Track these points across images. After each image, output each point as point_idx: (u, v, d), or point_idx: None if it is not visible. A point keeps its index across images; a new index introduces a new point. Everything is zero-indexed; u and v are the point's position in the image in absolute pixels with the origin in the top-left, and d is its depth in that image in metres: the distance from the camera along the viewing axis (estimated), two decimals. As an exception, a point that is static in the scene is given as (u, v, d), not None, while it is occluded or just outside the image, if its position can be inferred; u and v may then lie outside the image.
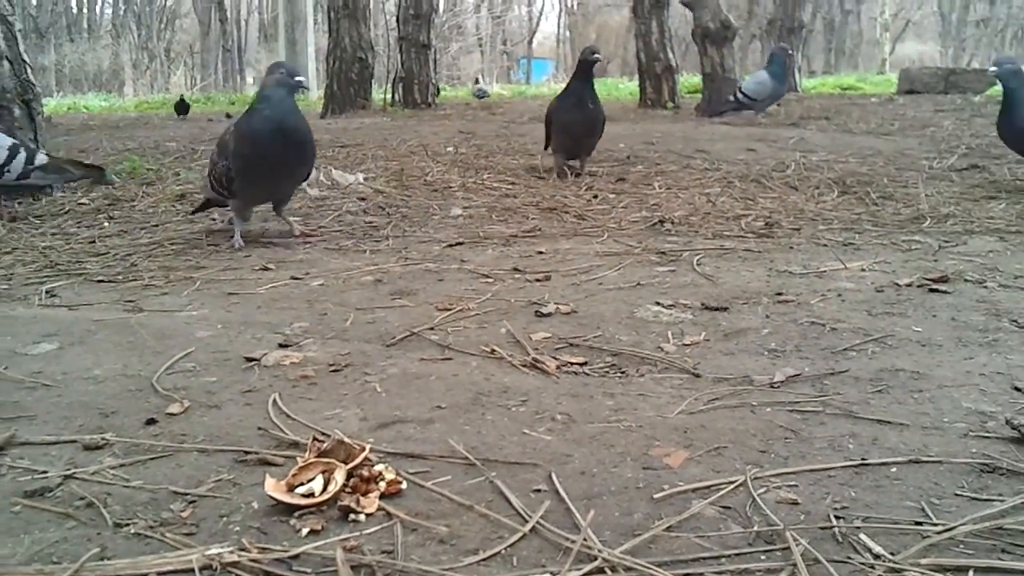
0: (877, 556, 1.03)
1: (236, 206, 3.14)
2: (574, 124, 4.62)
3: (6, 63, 4.06)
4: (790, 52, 8.41)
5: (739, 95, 7.68)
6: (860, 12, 30.37)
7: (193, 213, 3.57)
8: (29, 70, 4.23)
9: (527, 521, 1.13)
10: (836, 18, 27.27)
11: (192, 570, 1.03)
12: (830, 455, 1.32)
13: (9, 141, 3.55)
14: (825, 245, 2.90)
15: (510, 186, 4.32)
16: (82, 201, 4.01)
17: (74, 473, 1.31)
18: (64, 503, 1.22)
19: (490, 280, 2.48)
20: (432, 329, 2.01)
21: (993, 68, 3.97)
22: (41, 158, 3.64)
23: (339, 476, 1.19)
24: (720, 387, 1.62)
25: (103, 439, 1.41)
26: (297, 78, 2.99)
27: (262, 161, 2.97)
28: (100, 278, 2.62)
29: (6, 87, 4.06)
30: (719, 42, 9.24)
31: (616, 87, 17.89)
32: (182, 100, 12.05)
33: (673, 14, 11.84)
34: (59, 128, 8.70)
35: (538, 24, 37.82)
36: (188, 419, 1.50)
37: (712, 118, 7.97)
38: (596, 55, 4.72)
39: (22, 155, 3.53)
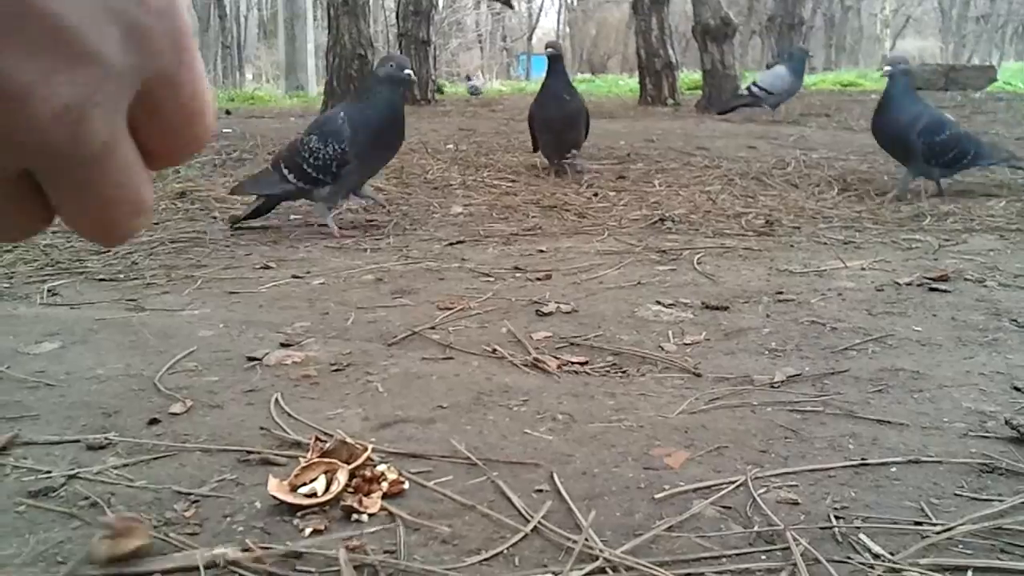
0: (877, 556, 1.04)
1: (328, 195, 3.22)
2: (554, 120, 4.54)
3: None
4: (811, 54, 8.37)
5: (754, 88, 7.61)
6: (860, 8, 30.39)
7: (240, 222, 3.38)
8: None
9: (529, 521, 1.13)
10: (836, 14, 27.27)
11: (197, 568, 1.03)
12: (830, 455, 1.33)
13: None
14: (825, 243, 2.91)
15: (510, 184, 4.33)
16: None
17: (78, 473, 1.31)
18: (68, 503, 1.22)
19: (491, 279, 2.49)
20: (433, 328, 2.01)
21: (888, 68, 3.93)
22: None
23: (342, 476, 1.20)
24: (721, 387, 1.62)
25: (106, 439, 1.42)
26: (406, 72, 3.16)
27: (375, 151, 3.21)
28: (101, 276, 2.62)
29: None
30: (719, 39, 9.24)
31: (616, 84, 17.90)
32: None
33: (673, 11, 11.84)
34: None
35: (538, 20, 37.80)
36: (191, 419, 1.51)
37: (723, 113, 7.91)
38: (550, 48, 4.75)
39: None
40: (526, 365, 1.76)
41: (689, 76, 13.63)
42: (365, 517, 1.15)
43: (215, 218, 3.56)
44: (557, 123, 4.54)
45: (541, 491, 1.23)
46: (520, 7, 36.83)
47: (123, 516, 1.11)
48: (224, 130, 7.72)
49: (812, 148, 5.60)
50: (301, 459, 1.26)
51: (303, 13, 18.13)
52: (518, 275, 2.53)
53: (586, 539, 1.07)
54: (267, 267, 2.70)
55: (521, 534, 1.11)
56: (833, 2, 26.87)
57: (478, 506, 1.18)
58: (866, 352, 1.81)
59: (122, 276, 2.62)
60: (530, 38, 36.14)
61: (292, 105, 13.73)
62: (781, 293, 2.25)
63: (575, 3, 35.53)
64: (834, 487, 1.22)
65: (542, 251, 2.86)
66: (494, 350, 1.85)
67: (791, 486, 1.22)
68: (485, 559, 1.06)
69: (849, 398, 1.55)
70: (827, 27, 27.37)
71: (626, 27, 26.22)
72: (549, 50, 4.75)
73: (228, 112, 10.70)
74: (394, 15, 12.65)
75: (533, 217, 3.49)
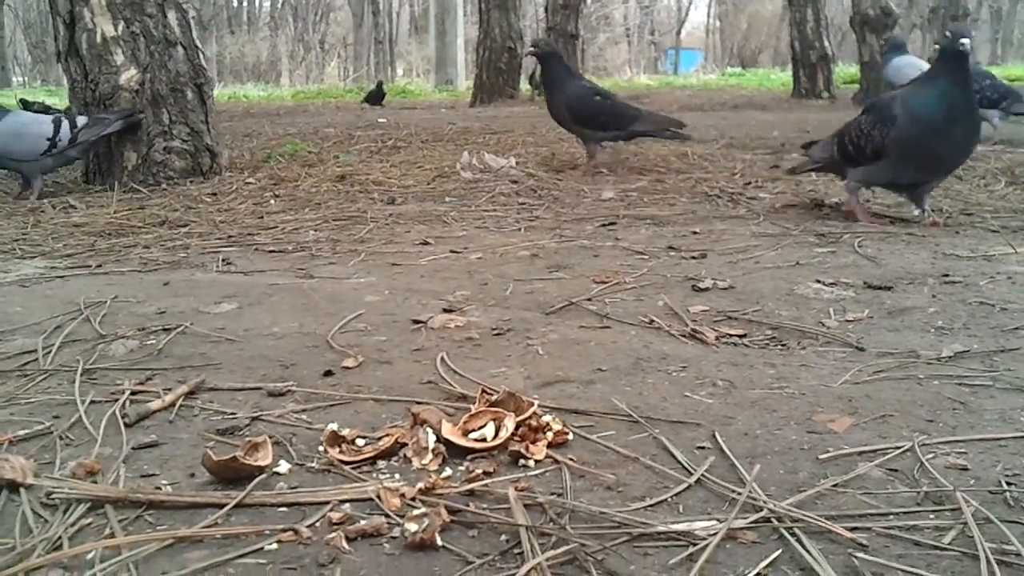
0: (1052, 520, 1.02)
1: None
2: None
3: (180, 48, 4.27)
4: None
5: None
6: (1030, 0, 28.89)
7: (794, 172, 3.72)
8: (201, 55, 4.44)
9: (692, 473, 1.15)
10: (1004, 6, 26.03)
11: (370, 499, 1.09)
12: (1000, 426, 1.30)
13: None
14: (994, 231, 2.81)
15: (661, 171, 4.32)
16: (248, 180, 4.21)
17: (260, 416, 1.40)
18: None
19: (645, 257, 2.50)
20: (590, 300, 2.04)
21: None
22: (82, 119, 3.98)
23: (509, 424, 1.24)
24: (885, 360, 1.60)
25: (286, 387, 1.51)
26: (962, 41, 2.73)
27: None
28: (271, 248, 2.76)
29: (180, 71, 4.26)
30: (879, 29, 8.98)
31: (767, 77, 17.55)
32: (380, 87, 11.75)
33: (829, 2, 11.55)
34: (222, 115, 9.09)
35: (687, 14, 37.39)
36: (362, 373, 1.58)
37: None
38: (531, 48, 4.73)
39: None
40: (684, 335, 1.77)
41: (844, 70, 13.27)
42: (531, 463, 1.20)
43: (374, 199, 3.68)
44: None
45: (703, 448, 1.25)
46: (669, 0, 36.51)
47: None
48: (379, 120, 7.95)
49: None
50: (472, 407, 1.31)
51: (453, 8, 18.44)
52: (672, 254, 2.53)
53: (750, 491, 1.09)
54: (426, 243, 2.78)
55: (684, 485, 1.13)
56: (1000, -7, 25.67)
57: (641, 458, 1.21)
58: (1038, 332, 1.75)
59: (290, 248, 2.75)
60: (679, 32, 35.76)
61: (441, 98, 14.00)
62: (947, 275, 2.19)
63: (726, -3, 34.99)
64: (1005, 456, 1.20)
65: (696, 232, 2.86)
66: (651, 321, 1.87)
67: (960, 453, 1.21)
68: (649, 505, 1.08)
69: (1020, 374, 1.51)
70: (993, 20, 26.16)
71: (779, 20, 25.70)
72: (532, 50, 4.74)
73: (382, 104, 10.99)
74: (543, 9, 12.73)
75: (685, 202, 3.48)
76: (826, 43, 10.44)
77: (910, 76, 7.16)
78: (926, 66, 7.24)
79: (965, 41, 2.72)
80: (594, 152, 4.51)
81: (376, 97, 11.06)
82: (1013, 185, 3.77)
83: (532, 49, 4.66)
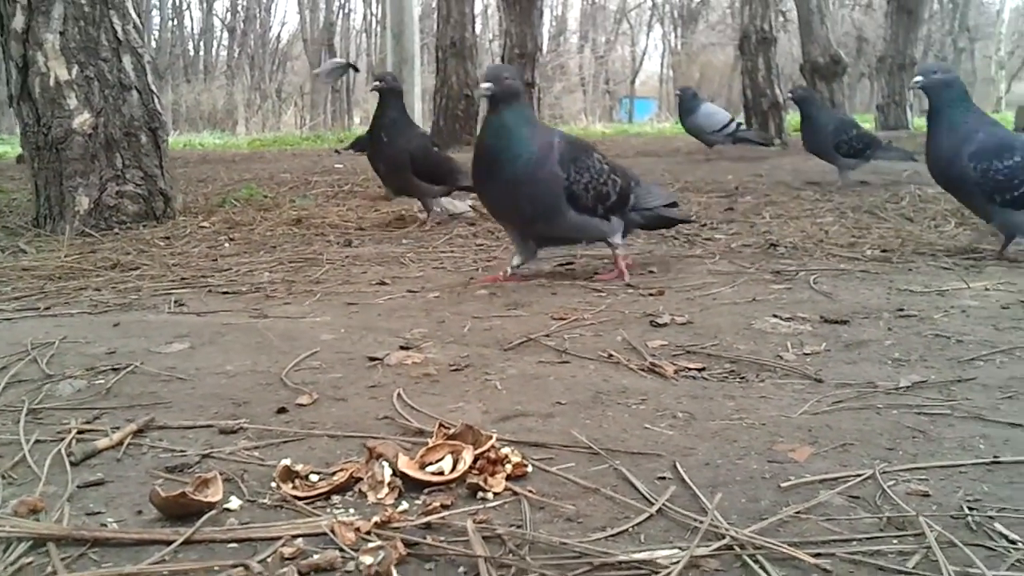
0: (1013, 542, 1.02)
1: None
2: (372, 158, 4.30)
3: (135, 92, 4.23)
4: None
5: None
6: (974, 50, 29.71)
7: None
8: (156, 100, 4.41)
9: (653, 503, 1.14)
10: (949, 56, 26.70)
11: (324, 533, 1.06)
12: (960, 454, 1.30)
13: None
14: (947, 268, 2.84)
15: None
16: (203, 224, 4.16)
17: (211, 453, 1.36)
18: (204, 477, 1.27)
19: (603, 294, 2.50)
20: (548, 336, 2.03)
21: (919, 78, 2.98)
22: None
23: (467, 456, 1.22)
24: (843, 391, 1.60)
25: (238, 425, 1.47)
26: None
27: None
28: (224, 290, 2.72)
29: (135, 115, 4.23)
30: (828, 77, 9.15)
31: (720, 125, 17.77)
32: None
33: (780, 51, 11.76)
34: (177, 161, 9.02)
35: (641, 64, 37.95)
36: (317, 409, 1.55)
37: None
38: (376, 82, 4.16)
39: None
40: (643, 369, 1.76)
41: (795, 117, 13.48)
42: (490, 495, 1.17)
43: (330, 242, 3.66)
44: (374, 163, 4.29)
45: (664, 478, 1.23)
46: (623, 51, 37.02)
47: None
48: (336, 166, 7.94)
49: (927, 184, 5.46)
50: (429, 441, 1.29)
51: (411, 58, 18.54)
52: (630, 291, 2.53)
53: (712, 520, 1.07)
54: (383, 283, 2.76)
55: (646, 515, 1.11)
56: (946, 44, 26.34)
57: (601, 489, 1.19)
58: (993, 362, 1.76)
59: (244, 290, 2.71)
60: (633, 82, 36.25)
61: (399, 145, 14.01)
62: (902, 310, 2.21)
63: (679, 46, 35.58)
64: (966, 482, 1.19)
65: (652, 271, 2.86)
66: (610, 355, 1.86)
67: (921, 479, 1.20)
68: (611, 535, 1.06)
69: (978, 403, 1.51)
70: (939, 70, 26.76)
71: (731, 69, 26.15)
72: (375, 83, 4.21)
73: (338, 151, 10.97)
74: (499, 58, 12.84)
75: (641, 243, 3.49)
76: (777, 91, 10.59)
77: (721, 121, 7.60)
78: (727, 114, 7.74)
79: (485, 85, 2.59)
80: (431, 207, 4.28)
81: (365, 144, 10.86)
82: (963, 226, 3.82)
83: (377, 83, 4.15)
